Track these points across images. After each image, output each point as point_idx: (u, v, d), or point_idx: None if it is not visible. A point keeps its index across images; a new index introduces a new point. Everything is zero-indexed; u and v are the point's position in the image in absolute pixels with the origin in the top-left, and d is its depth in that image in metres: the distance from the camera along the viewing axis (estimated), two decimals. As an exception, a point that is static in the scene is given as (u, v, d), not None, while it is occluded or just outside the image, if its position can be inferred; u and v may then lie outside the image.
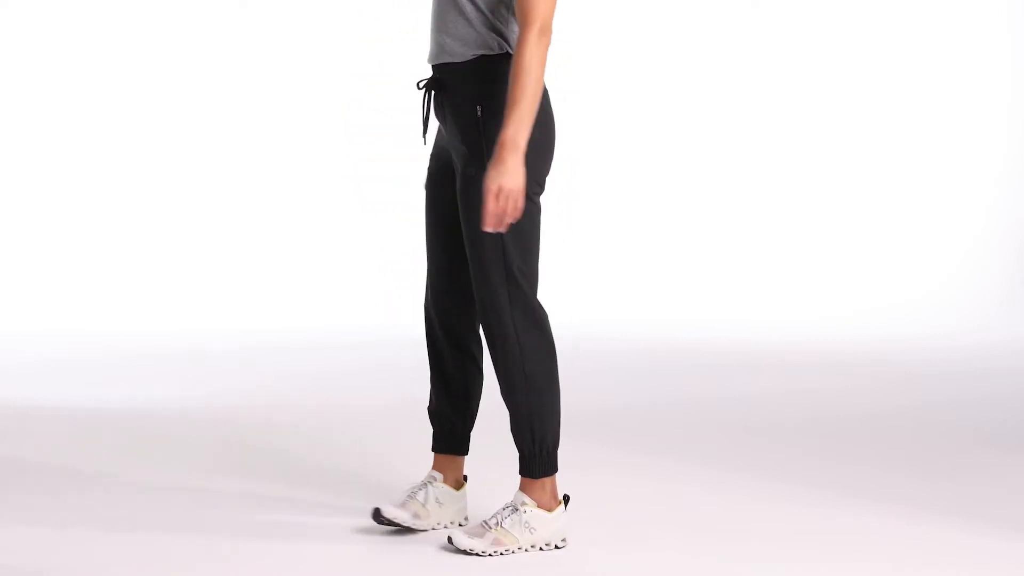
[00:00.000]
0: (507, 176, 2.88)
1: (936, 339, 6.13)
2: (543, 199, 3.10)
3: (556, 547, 3.14)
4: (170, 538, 3.18)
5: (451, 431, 3.29)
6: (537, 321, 3.07)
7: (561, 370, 3.13)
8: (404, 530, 3.23)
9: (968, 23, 6.99)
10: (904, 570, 3.03)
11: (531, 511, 3.12)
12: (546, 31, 2.91)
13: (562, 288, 6.49)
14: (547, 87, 3.02)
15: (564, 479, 3.54)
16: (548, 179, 3.10)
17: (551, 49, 2.95)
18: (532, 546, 3.12)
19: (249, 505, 3.46)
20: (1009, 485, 3.81)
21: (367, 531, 3.25)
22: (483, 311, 3.08)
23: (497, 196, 2.87)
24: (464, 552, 3.08)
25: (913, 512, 3.47)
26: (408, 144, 5.53)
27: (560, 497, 3.17)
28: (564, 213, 6.60)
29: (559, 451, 3.16)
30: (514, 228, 2.97)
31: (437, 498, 3.26)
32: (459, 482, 3.30)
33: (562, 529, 3.16)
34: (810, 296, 6.68)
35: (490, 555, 3.08)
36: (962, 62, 6.99)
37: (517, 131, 2.88)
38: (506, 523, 3.12)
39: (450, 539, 3.10)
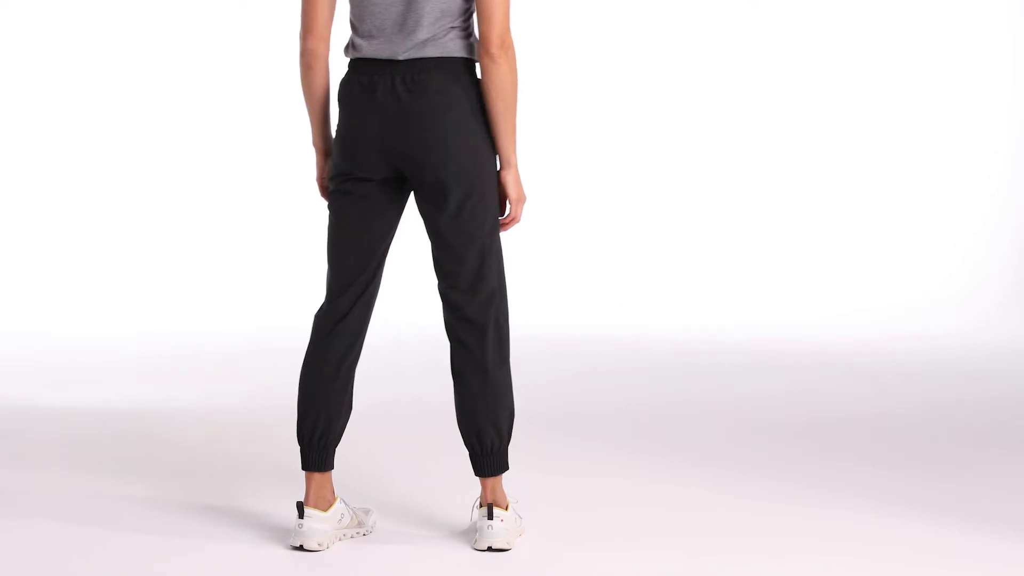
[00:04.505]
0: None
1: (936, 339, 6.12)
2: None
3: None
4: (167, 538, 3.18)
5: None
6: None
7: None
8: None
9: (968, 23, 6.99)
10: (904, 570, 3.03)
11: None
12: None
13: (563, 289, 6.52)
14: (351, 80, 3.19)
15: (565, 480, 3.54)
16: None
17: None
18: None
19: (247, 505, 3.46)
20: (1009, 485, 3.81)
21: (365, 531, 3.25)
22: None
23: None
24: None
25: (913, 512, 3.46)
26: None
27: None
28: (565, 214, 6.64)
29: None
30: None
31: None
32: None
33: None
34: (810, 296, 6.68)
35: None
36: (962, 61, 6.98)
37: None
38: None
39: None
